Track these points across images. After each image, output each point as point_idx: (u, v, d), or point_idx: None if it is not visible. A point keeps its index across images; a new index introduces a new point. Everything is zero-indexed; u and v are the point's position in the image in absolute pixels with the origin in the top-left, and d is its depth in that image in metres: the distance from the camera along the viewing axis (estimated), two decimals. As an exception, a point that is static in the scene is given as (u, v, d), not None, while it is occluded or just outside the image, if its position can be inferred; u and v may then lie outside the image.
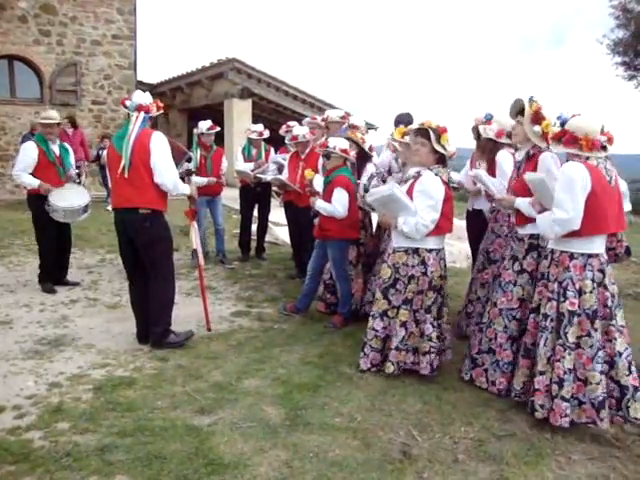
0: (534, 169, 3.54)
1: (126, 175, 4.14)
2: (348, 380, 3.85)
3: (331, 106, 15.74)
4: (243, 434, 3.10)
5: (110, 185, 4.55)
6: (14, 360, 4.05)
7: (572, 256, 3.13)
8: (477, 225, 4.81)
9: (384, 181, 4.67)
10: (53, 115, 5.79)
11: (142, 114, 4.22)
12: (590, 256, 3.13)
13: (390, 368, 3.82)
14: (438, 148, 3.78)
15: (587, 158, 3.10)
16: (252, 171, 7.05)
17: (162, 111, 4.46)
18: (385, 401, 3.55)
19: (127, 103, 4.30)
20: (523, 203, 3.52)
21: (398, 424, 3.26)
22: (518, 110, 3.67)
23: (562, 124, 3.15)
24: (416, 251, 3.82)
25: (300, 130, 6.24)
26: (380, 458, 2.91)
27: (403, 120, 5.05)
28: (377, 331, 3.92)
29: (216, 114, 14.98)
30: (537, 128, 3.45)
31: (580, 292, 3.11)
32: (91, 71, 13.53)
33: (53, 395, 3.52)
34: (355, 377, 3.89)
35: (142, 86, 14.84)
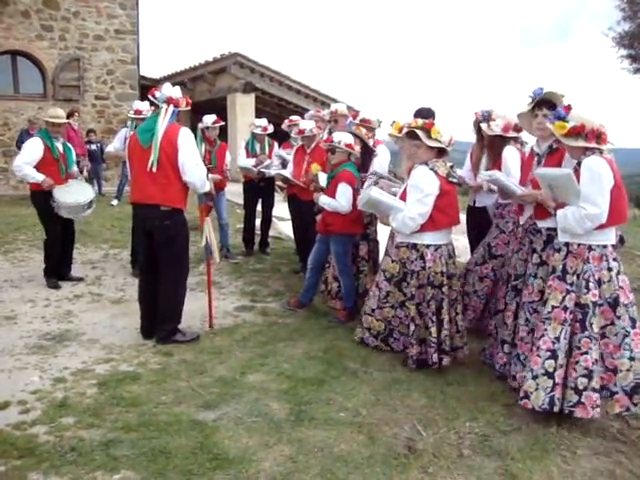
0: (558, 164, 3.44)
1: (155, 170, 4.08)
2: (353, 375, 3.84)
3: (334, 100, 15.72)
4: (248, 429, 3.10)
5: (130, 178, 4.50)
6: (19, 355, 4.06)
7: (590, 248, 3.14)
8: (477, 221, 4.79)
9: (376, 183, 4.64)
10: (61, 114, 5.80)
11: (171, 107, 4.15)
12: (605, 246, 3.16)
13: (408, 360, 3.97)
14: (431, 143, 3.82)
15: (601, 151, 3.10)
16: (255, 167, 7.03)
17: (189, 106, 4.36)
18: (390, 396, 3.54)
19: (157, 94, 4.21)
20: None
21: (403, 419, 3.25)
22: (540, 102, 3.50)
23: (561, 118, 3.11)
24: (414, 246, 3.92)
25: (307, 124, 6.21)
26: (385, 453, 2.90)
27: (423, 115, 4.99)
28: (401, 318, 4.09)
29: (219, 109, 14.94)
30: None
31: (599, 282, 3.13)
32: (94, 66, 13.50)
33: (58, 390, 3.53)
34: (360, 372, 3.89)
35: (145, 81, 14.83)
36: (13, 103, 12.86)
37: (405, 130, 3.98)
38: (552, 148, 3.52)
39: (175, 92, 4.23)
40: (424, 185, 3.79)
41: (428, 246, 3.87)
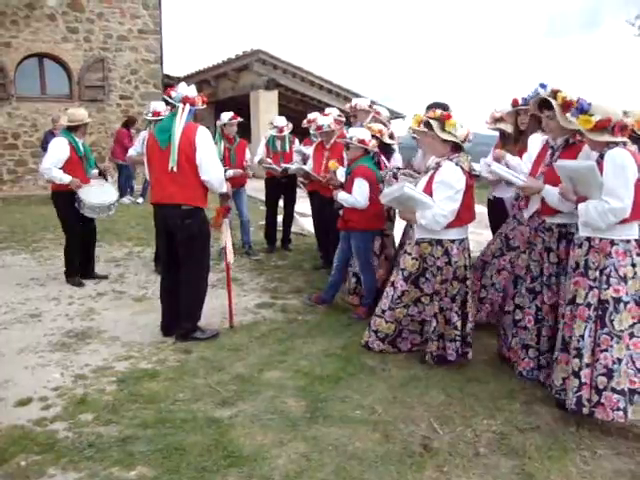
0: (574, 158, 3.37)
1: (176, 170, 4.09)
2: (370, 372, 3.82)
3: (357, 95, 15.63)
4: (263, 426, 3.10)
5: (149, 179, 4.54)
6: (42, 352, 4.14)
7: (613, 242, 3.06)
8: (498, 214, 4.72)
9: (395, 177, 4.59)
10: (81, 114, 5.88)
11: (188, 106, 4.15)
12: (628, 241, 3.07)
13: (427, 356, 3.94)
14: (444, 136, 3.74)
15: (625, 143, 3.03)
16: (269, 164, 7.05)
17: (205, 105, 4.37)
18: (407, 393, 3.51)
19: (172, 94, 4.23)
20: (551, 194, 3.36)
21: (419, 417, 3.22)
22: (539, 103, 3.48)
23: (584, 111, 3.03)
24: (439, 242, 3.83)
25: (325, 120, 6.19)
26: (400, 451, 2.88)
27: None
28: (413, 316, 4.04)
29: (242, 106, 15.01)
30: (569, 114, 3.29)
31: (624, 279, 3.04)
32: (118, 66, 13.67)
33: (78, 387, 3.59)
34: (377, 369, 3.87)
35: (169, 80, 14.96)
36: (40, 105, 13.11)
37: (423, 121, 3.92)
38: (568, 142, 3.44)
39: (190, 91, 4.23)
40: (454, 182, 3.72)
41: (453, 241, 3.81)
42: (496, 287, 4.39)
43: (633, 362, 3.04)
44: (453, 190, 3.71)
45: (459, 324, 3.81)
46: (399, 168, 4.88)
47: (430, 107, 4.85)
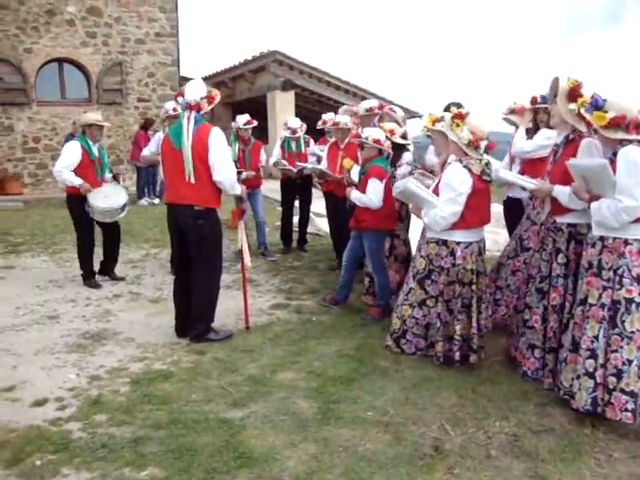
0: (573, 155, 3.36)
1: (192, 180, 4.10)
2: (383, 373, 3.81)
3: (375, 95, 15.61)
4: (274, 427, 3.11)
5: (163, 178, 4.57)
6: (59, 354, 4.19)
7: (627, 242, 3.00)
8: (514, 214, 4.67)
9: (411, 173, 4.57)
10: (94, 117, 5.99)
11: (193, 113, 4.13)
12: None
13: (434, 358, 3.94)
14: (451, 136, 3.69)
15: (638, 140, 2.98)
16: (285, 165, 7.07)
17: (214, 104, 4.24)
18: (419, 394, 3.49)
19: (179, 100, 4.24)
20: (562, 193, 3.34)
21: (431, 418, 3.20)
22: (555, 91, 3.48)
23: (598, 107, 2.98)
24: (445, 242, 3.84)
25: (342, 118, 6.19)
26: (411, 453, 2.86)
27: None
28: (418, 319, 4.00)
29: (260, 107, 15.08)
30: (572, 106, 3.25)
31: (638, 279, 2.98)
32: (135, 69, 13.81)
33: (93, 388, 3.63)
34: (390, 370, 3.85)
35: (186, 82, 15.05)
36: (60, 108, 13.30)
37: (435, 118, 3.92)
38: (569, 138, 3.41)
39: (195, 95, 4.13)
40: (456, 184, 3.70)
41: (458, 243, 3.79)
42: (511, 288, 4.34)
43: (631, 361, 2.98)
44: (455, 192, 3.69)
45: (458, 328, 3.79)
46: (416, 166, 4.86)
47: (447, 108, 4.82)
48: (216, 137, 4.15)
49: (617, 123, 2.96)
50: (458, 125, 3.68)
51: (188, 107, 4.15)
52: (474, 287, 3.80)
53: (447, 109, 4.36)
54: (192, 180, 4.12)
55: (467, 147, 3.71)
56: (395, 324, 4.10)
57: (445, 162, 3.95)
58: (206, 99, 4.18)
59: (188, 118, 4.13)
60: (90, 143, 5.85)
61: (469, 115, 3.72)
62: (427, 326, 4.01)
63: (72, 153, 5.77)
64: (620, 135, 2.97)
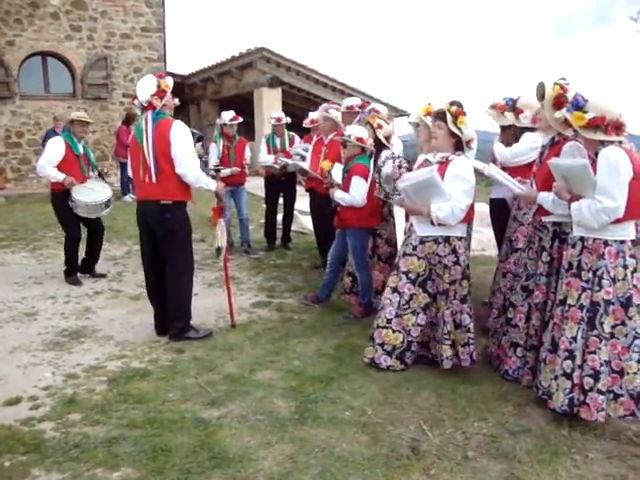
0: (557, 157, 3.37)
1: (154, 180, 4.10)
2: (363, 372, 3.78)
3: (362, 93, 15.59)
4: (250, 427, 3.07)
5: (132, 175, 4.53)
6: (35, 351, 4.13)
7: (606, 243, 3.00)
8: (500, 213, 4.67)
9: (400, 166, 4.54)
10: (77, 114, 5.98)
11: (149, 113, 4.11)
12: (622, 242, 3.01)
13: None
14: (454, 129, 3.64)
15: (620, 142, 2.98)
16: (275, 163, 7.03)
17: (166, 96, 4.12)
18: (399, 394, 3.47)
19: (136, 102, 4.23)
20: (545, 200, 3.36)
21: (409, 418, 3.18)
22: (542, 95, 3.49)
23: (579, 108, 2.98)
24: (447, 239, 3.69)
25: (324, 113, 6.14)
26: (387, 453, 2.84)
27: None
28: (423, 326, 3.80)
29: (247, 103, 15.00)
30: (558, 114, 3.26)
31: (614, 280, 2.99)
32: (121, 64, 13.68)
33: (68, 386, 3.58)
34: (370, 370, 3.82)
35: (173, 77, 14.93)
36: (44, 103, 13.13)
37: (435, 110, 3.85)
38: (554, 141, 3.42)
39: (145, 95, 4.06)
40: (469, 176, 3.65)
41: (460, 238, 3.72)
42: (501, 290, 4.33)
43: (609, 362, 3.00)
44: (470, 184, 3.64)
45: (472, 326, 3.70)
46: (408, 161, 4.83)
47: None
48: (178, 130, 4.11)
49: (596, 124, 2.95)
50: (462, 122, 3.65)
51: (143, 108, 4.13)
52: (470, 281, 3.79)
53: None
54: (154, 180, 4.11)
55: (467, 145, 3.72)
56: (394, 339, 3.77)
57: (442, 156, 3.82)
58: (156, 95, 4.07)
59: (146, 119, 4.12)
60: (75, 139, 5.80)
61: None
62: (433, 329, 3.83)
63: (55, 149, 5.73)
64: (599, 136, 2.97)
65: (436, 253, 3.70)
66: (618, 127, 2.96)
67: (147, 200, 4.22)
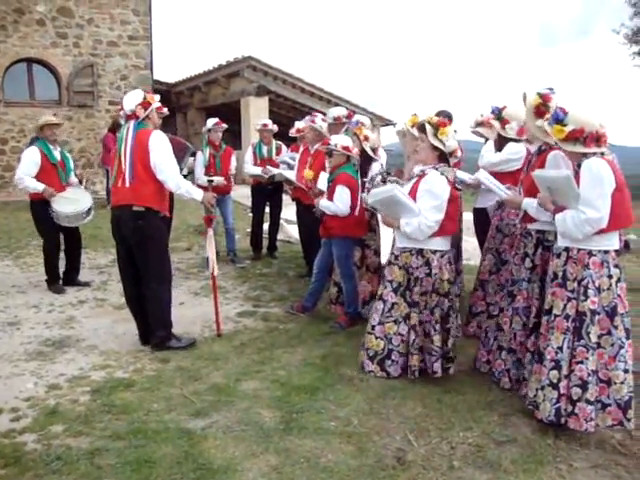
0: (542, 166, 3.41)
1: (127, 185, 4.11)
2: (348, 382, 3.77)
3: (349, 102, 15.68)
4: (235, 438, 3.05)
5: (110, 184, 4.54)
6: (17, 362, 4.07)
7: (591, 253, 3.03)
8: (483, 222, 4.70)
9: (384, 181, 4.56)
10: (46, 118, 5.94)
11: (132, 122, 4.16)
12: (607, 252, 3.04)
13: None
14: (434, 142, 3.67)
15: (602, 153, 3.01)
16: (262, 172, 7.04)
17: (150, 108, 4.21)
18: (384, 404, 3.46)
19: (121, 113, 4.27)
20: (530, 206, 3.40)
21: (395, 428, 3.17)
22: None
23: (559, 121, 3.01)
24: (420, 252, 3.74)
25: (303, 124, 6.18)
26: (373, 464, 2.83)
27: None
28: (403, 335, 3.81)
29: (234, 112, 15.01)
30: (540, 122, 3.31)
31: (599, 290, 3.01)
32: (107, 72, 13.64)
33: (51, 397, 3.52)
34: (356, 379, 3.81)
35: (159, 85, 14.94)
36: (29, 110, 13.03)
37: (417, 123, 3.88)
38: (541, 149, 3.46)
39: (131, 104, 4.15)
40: (440, 191, 3.65)
41: (435, 252, 3.73)
42: (499, 304, 4.34)
43: (597, 372, 3.02)
44: (439, 200, 3.65)
45: (437, 339, 3.70)
46: (389, 173, 4.85)
47: (438, 115, 4.83)
48: (156, 139, 4.13)
49: (575, 137, 2.99)
50: (443, 133, 3.67)
51: (126, 117, 4.19)
52: (451, 297, 3.77)
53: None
54: (127, 184, 4.11)
55: (450, 156, 3.74)
56: (376, 345, 3.82)
57: (420, 170, 3.88)
58: (141, 105, 4.14)
59: (127, 128, 4.16)
60: (50, 147, 5.75)
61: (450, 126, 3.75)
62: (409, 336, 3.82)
63: (30, 159, 5.69)
64: (579, 148, 3.00)
65: (410, 265, 3.75)
66: (597, 139, 2.99)
67: (120, 205, 4.19)
